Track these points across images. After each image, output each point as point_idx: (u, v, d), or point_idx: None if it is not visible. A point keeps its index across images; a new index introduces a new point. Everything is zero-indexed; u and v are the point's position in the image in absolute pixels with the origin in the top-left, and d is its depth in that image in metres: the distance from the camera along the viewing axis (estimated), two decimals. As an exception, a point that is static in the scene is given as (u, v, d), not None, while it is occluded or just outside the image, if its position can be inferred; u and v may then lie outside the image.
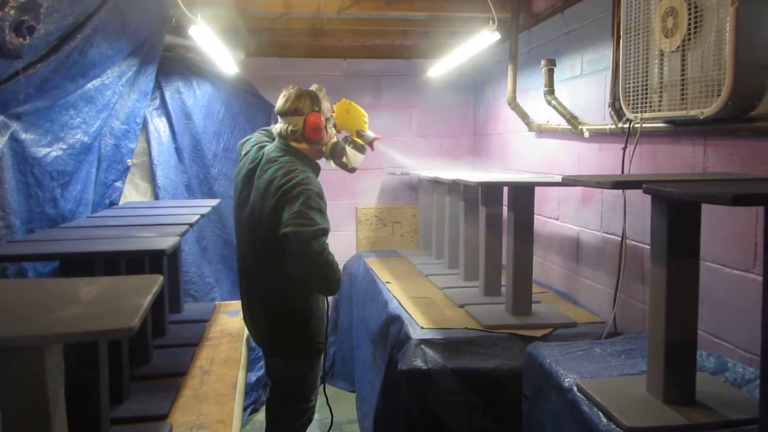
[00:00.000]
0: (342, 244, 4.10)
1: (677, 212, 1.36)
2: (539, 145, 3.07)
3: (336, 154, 2.20)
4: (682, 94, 1.69)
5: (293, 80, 3.95)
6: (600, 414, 1.43)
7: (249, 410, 3.49)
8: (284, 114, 2.08)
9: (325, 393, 2.38)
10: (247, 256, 2.14)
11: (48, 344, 0.99)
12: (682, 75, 1.69)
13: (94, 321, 1.01)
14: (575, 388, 1.57)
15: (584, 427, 1.47)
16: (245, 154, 2.19)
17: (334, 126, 2.28)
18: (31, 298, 1.14)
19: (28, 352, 1.00)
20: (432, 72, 3.78)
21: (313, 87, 2.13)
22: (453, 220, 3.14)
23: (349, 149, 2.30)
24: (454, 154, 4.30)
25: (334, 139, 2.20)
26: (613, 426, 1.36)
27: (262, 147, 2.15)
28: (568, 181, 1.53)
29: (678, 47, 1.69)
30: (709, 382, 1.55)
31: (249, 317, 2.22)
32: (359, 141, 2.33)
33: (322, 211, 1.91)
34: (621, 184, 1.39)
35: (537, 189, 2.88)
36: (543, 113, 2.91)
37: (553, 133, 2.87)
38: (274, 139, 2.20)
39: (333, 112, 2.27)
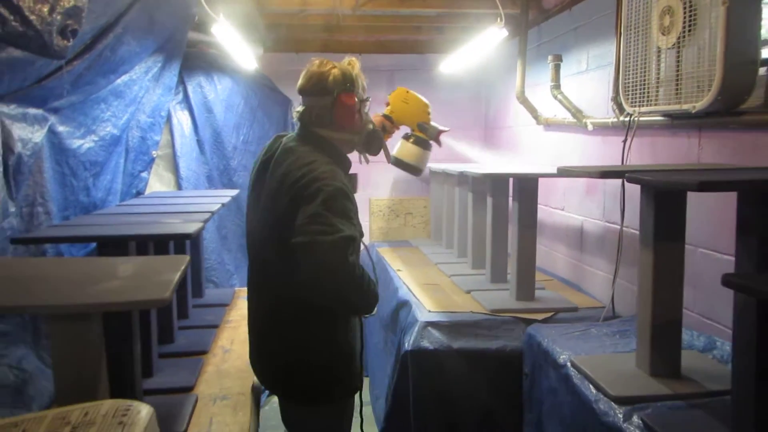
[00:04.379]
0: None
1: (663, 200, 1.46)
2: (547, 138, 3.16)
3: (372, 144, 1.75)
4: (677, 89, 1.78)
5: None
6: (590, 386, 1.54)
7: (267, 392, 3.64)
8: (307, 93, 1.63)
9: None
10: (259, 271, 1.68)
11: (95, 312, 1.14)
12: (677, 71, 1.78)
13: (133, 293, 1.16)
14: (569, 364, 1.68)
15: (576, 399, 1.59)
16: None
17: (391, 120, 1.96)
18: (76, 273, 1.29)
19: (76, 319, 1.15)
20: (443, 67, 3.88)
21: (346, 60, 1.68)
22: (462, 211, 3.25)
23: (409, 145, 1.96)
24: (467, 147, 4.40)
25: (371, 126, 1.75)
26: (602, 396, 1.48)
27: (281, 136, 1.73)
28: (562, 172, 1.64)
29: (674, 44, 1.77)
30: (697, 359, 1.65)
31: (257, 353, 1.72)
32: (422, 135, 1.98)
33: (346, 214, 1.44)
34: (607, 173, 1.49)
35: (544, 181, 3.00)
36: (550, 107, 3.00)
37: (559, 127, 2.96)
38: None
39: (387, 104, 1.98)
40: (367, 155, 1.81)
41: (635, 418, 1.36)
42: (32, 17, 1.14)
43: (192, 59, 3.49)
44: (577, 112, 2.66)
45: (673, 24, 1.77)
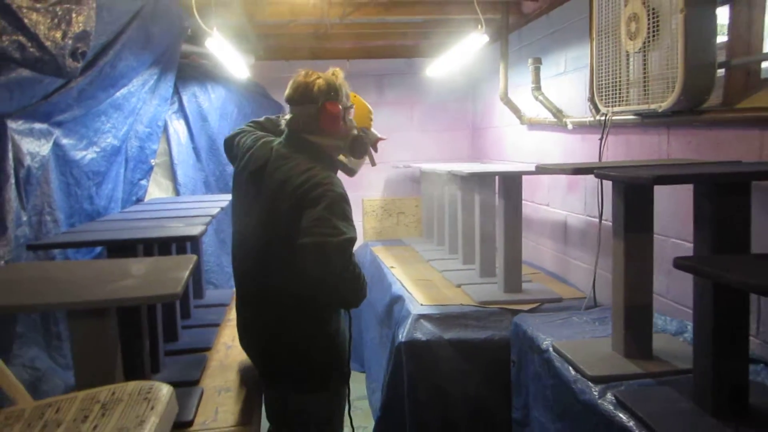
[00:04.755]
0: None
1: (632, 193, 1.59)
2: (530, 137, 3.29)
3: (356, 149, 1.85)
4: (645, 90, 1.91)
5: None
6: (569, 368, 1.67)
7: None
8: (295, 102, 1.75)
9: (351, 425, 1.91)
10: (248, 276, 1.79)
11: (114, 306, 1.25)
12: (644, 73, 1.91)
13: (147, 289, 1.27)
14: (551, 349, 1.80)
15: (557, 381, 1.71)
16: (247, 151, 1.86)
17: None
18: (93, 273, 1.40)
19: (96, 315, 1.26)
20: (429, 71, 4.00)
21: (330, 70, 1.80)
22: (451, 209, 3.37)
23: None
24: (455, 147, 4.53)
25: (356, 132, 1.85)
26: (579, 376, 1.60)
27: (269, 143, 1.82)
28: (540, 170, 1.76)
29: (640, 48, 1.90)
30: (668, 341, 1.78)
31: (249, 336, 1.88)
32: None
33: (347, 218, 1.58)
34: (579, 170, 1.61)
35: (530, 178, 3.13)
36: (533, 107, 3.13)
37: (542, 126, 3.09)
38: (270, 132, 1.97)
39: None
40: (351, 158, 1.91)
41: (609, 395, 1.48)
42: (47, 43, 1.25)
43: (186, 70, 3.60)
44: (557, 112, 2.79)
45: (639, 30, 1.90)
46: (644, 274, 1.63)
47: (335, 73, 1.78)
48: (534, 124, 3.19)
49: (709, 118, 1.78)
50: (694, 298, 1.34)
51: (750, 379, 1.51)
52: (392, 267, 3.26)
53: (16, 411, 0.99)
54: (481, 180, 2.78)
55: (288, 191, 1.62)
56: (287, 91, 1.77)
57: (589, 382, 1.56)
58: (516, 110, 3.31)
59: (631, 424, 1.34)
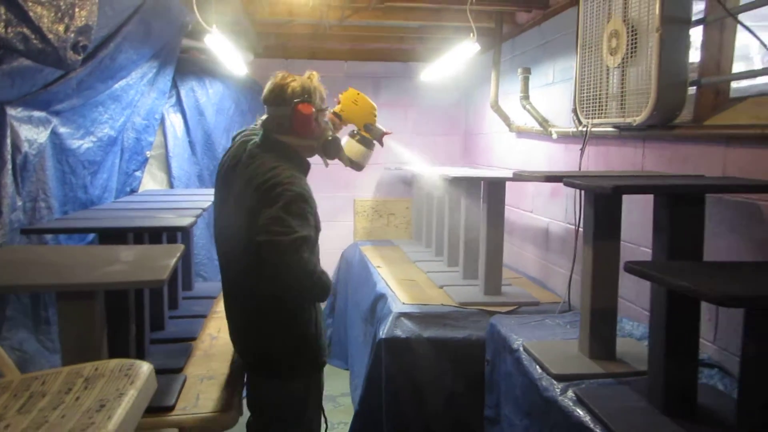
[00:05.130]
0: (340, 233, 4.43)
1: (601, 203, 1.67)
2: (518, 145, 3.38)
3: (330, 150, 1.91)
4: (622, 104, 1.99)
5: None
6: (537, 366, 1.74)
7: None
8: (270, 103, 1.80)
9: (324, 416, 2.01)
10: (228, 269, 1.89)
11: (101, 290, 1.32)
12: (622, 88, 1.99)
13: (136, 274, 1.34)
14: (521, 348, 1.88)
15: (526, 379, 1.79)
16: (229, 148, 1.95)
17: (339, 117, 2.09)
18: (83, 258, 1.47)
19: (83, 297, 1.33)
20: (424, 76, 4.08)
21: (306, 74, 1.86)
22: (439, 212, 3.45)
23: (354, 143, 2.10)
24: (448, 151, 4.61)
25: (330, 134, 1.91)
26: (545, 374, 1.68)
27: (246, 142, 1.87)
28: (517, 177, 1.84)
29: (620, 64, 1.98)
30: (632, 345, 1.86)
31: (229, 324, 1.97)
32: (367, 135, 2.12)
33: (304, 217, 1.64)
34: (550, 178, 1.69)
35: (516, 185, 3.21)
36: (521, 116, 3.21)
37: (529, 134, 3.17)
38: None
39: (339, 102, 2.10)
40: (326, 159, 1.97)
41: (570, 392, 1.56)
42: (50, 36, 1.32)
43: (185, 65, 3.67)
44: (543, 121, 2.87)
45: (619, 46, 1.98)
46: (610, 279, 1.70)
47: (311, 76, 1.84)
48: (522, 132, 3.27)
49: (679, 133, 1.86)
50: (650, 301, 1.42)
51: (704, 382, 1.60)
52: (379, 267, 3.34)
53: (3, 383, 1.06)
54: (467, 185, 2.86)
55: (251, 190, 1.69)
56: (264, 92, 1.83)
57: (553, 380, 1.63)
58: (505, 118, 3.39)
59: (587, 419, 1.42)
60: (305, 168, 1.86)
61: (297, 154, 1.83)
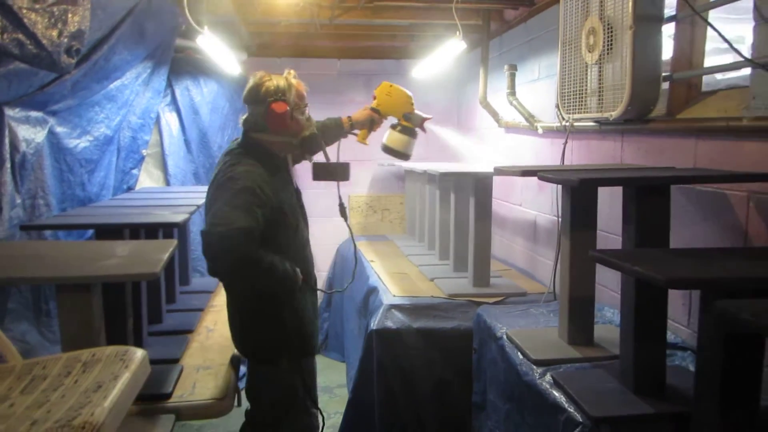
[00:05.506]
0: (335, 229, 4.49)
1: (577, 195, 1.74)
2: (507, 140, 3.44)
3: (309, 146, 1.92)
4: (600, 99, 2.06)
5: (290, 79, 4.25)
6: (518, 353, 1.82)
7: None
8: (248, 102, 1.87)
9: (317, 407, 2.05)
10: None
11: (98, 283, 1.39)
12: (600, 84, 2.05)
13: (130, 267, 1.42)
14: (505, 336, 1.95)
15: (508, 365, 1.86)
16: None
17: (378, 113, 2.16)
18: (81, 253, 1.54)
19: (81, 290, 1.40)
20: (415, 73, 4.14)
21: (285, 72, 1.91)
22: (431, 207, 3.52)
23: (395, 134, 2.16)
24: (442, 146, 4.68)
25: (309, 131, 1.92)
26: (525, 360, 1.75)
27: (235, 141, 1.98)
28: (497, 171, 1.91)
29: (597, 60, 2.05)
30: (611, 331, 1.93)
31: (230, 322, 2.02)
32: (407, 124, 2.16)
33: (248, 209, 1.67)
34: (526, 172, 1.75)
35: (506, 179, 3.27)
36: (509, 111, 3.27)
37: (517, 129, 3.24)
38: (324, 129, 2.11)
39: (374, 98, 2.17)
40: (307, 155, 2.00)
41: (547, 376, 1.63)
42: (44, 41, 1.39)
43: (180, 64, 3.74)
44: (529, 117, 2.94)
45: (596, 43, 2.04)
46: (586, 268, 1.77)
47: (288, 74, 1.90)
48: (510, 128, 3.34)
49: (654, 126, 1.93)
50: (620, 291, 1.49)
51: (678, 363, 1.68)
52: (372, 261, 3.41)
53: (7, 367, 1.13)
54: (456, 180, 2.93)
55: (212, 187, 1.79)
56: (243, 92, 1.89)
57: (533, 365, 1.71)
58: (494, 113, 3.45)
59: (562, 400, 1.49)
60: (274, 164, 1.87)
61: (267, 150, 1.87)
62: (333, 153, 2.05)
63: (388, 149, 2.21)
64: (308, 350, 1.97)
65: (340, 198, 2.08)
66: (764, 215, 1.55)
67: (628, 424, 1.36)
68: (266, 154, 1.86)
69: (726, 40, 1.56)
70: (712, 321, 1.05)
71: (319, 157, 2.10)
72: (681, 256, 1.26)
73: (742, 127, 1.56)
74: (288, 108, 1.83)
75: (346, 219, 2.11)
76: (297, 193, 2.01)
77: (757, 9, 1.55)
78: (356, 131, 2.23)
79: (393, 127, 2.19)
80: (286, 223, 1.85)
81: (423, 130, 2.20)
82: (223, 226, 1.64)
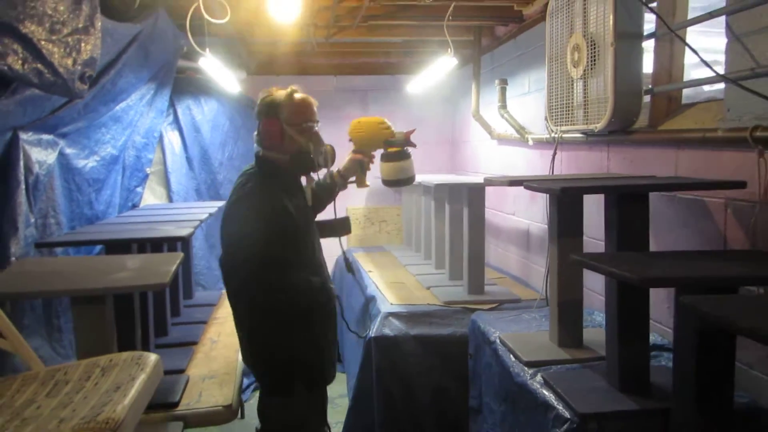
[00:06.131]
0: (334, 241, 4.59)
1: (564, 202, 1.83)
2: (500, 151, 3.55)
3: (297, 165, 1.87)
4: (586, 112, 2.16)
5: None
6: (511, 356, 1.90)
7: (252, 387, 3.96)
8: (256, 119, 1.91)
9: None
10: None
11: (110, 294, 1.48)
12: (585, 97, 2.15)
13: (141, 279, 1.50)
14: (498, 341, 2.04)
15: (501, 368, 1.94)
16: None
17: (363, 153, 2.09)
18: (94, 267, 1.63)
19: (95, 301, 1.49)
20: (410, 88, 4.26)
21: (288, 88, 1.90)
22: (427, 218, 3.61)
23: (384, 165, 2.08)
24: (436, 160, 4.78)
25: (303, 149, 1.86)
26: (517, 362, 1.83)
27: None
28: (487, 182, 2.01)
29: (582, 75, 2.15)
30: (600, 334, 2.00)
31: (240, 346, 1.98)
32: (393, 149, 2.06)
33: (261, 236, 1.69)
34: (513, 182, 1.85)
35: (499, 189, 3.37)
36: (501, 124, 3.38)
37: (509, 141, 3.34)
38: None
39: (350, 137, 2.12)
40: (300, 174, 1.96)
41: (538, 377, 1.71)
42: (61, 69, 1.49)
43: (181, 84, 3.85)
44: (520, 129, 3.05)
45: (581, 59, 2.15)
46: (574, 273, 1.86)
47: (290, 89, 1.88)
48: (502, 140, 3.44)
49: (637, 138, 2.03)
50: (605, 294, 1.58)
51: (663, 364, 1.76)
52: (370, 271, 3.49)
53: (32, 374, 1.22)
54: (450, 190, 3.02)
55: (226, 205, 1.85)
56: None
57: (524, 367, 1.79)
58: (487, 126, 3.56)
59: (552, 398, 1.57)
60: (285, 182, 1.86)
61: (277, 167, 1.86)
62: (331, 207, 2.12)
63: (387, 183, 2.13)
64: (318, 381, 1.92)
65: (344, 253, 2.14)
66: (740, 220, 1.64)
67: (613, 420, 1.44)
68: (276, 172, 1.86)
69: (701, 58, 1.66)
70: (683, 317, 1.13)
71: (322, 215, 2.14)
72: (657, 258, 1.35)
73: (718, 138, 1.65)
74: (279, 124, 1.82)
75: (353, 274, 2.15)
76: (308, 209, 1.99)
77: (729, 27, 1.65)
78: (352, 179, 2.17)
79: (382, 158, 2.10)
80: (295, 239, 1.83)
81: (412, 145, 2.11)
82: (239, 258, 1.69)
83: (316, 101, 1.96)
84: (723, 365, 1.17)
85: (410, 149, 2.11)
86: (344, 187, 2.17)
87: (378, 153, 2.14)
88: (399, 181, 2.08)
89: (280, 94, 1.87)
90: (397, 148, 2.05)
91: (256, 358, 1.87)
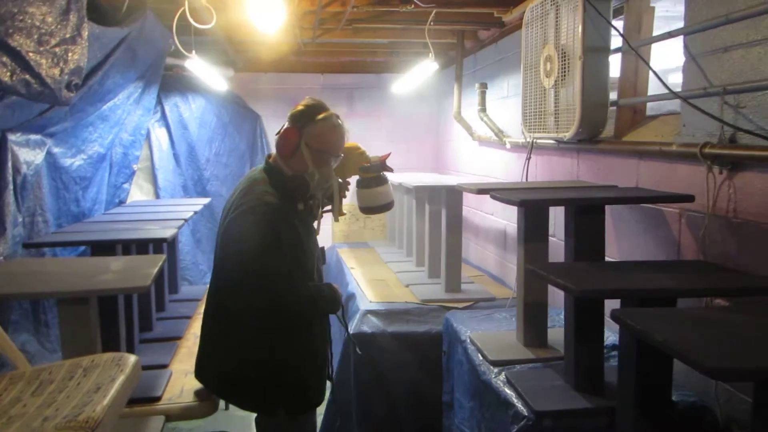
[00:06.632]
0: (320, 236, 4.67)
1: (530, 210, 1.92)
2: (480, 153, 3.64)
3: (294, 187, 1.77)
4: (557, 121, 2.25)
5: (276, 93, 4.47)
6: (479, 354, 2.00)
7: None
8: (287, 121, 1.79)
9: None
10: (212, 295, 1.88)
11: (94, 296, 1.56)
12: (556, 106, 2.24)
13: (123, 282, 1.58)
14: (468, 339, 2.13)
15: (470, 366, 2.04)
16: None
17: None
18: (79, 268, 1.70)
19: (80, 302, 1.57)
20: (395, 88, 4.33)
21: (331, 110, 1.79)
22: (408, 216, 3.70)
23: (361, 192, 1.97)
24: (421, 158, 4.87)
25: (308, 177, 1.77)
26: (484, 361, 1.93)
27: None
28: (458, 188, 2.09)
29: (553, 85, 2.24)
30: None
31: (205, 360, 1.91)
32: (368, 175, 1.95)
33: (268, 248, 1.63)
34: (481, 191, 1.94)
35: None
36: (481, 126, 3.46)
37: (489, 143, 3.43)
38: None
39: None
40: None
41: (502, 375, 1.81)
42: (48, 79, 1.55)
43: (169, 81, 3.90)
44: (498, 132, 3.13)
45: (552, 69, 2.23)
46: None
47: (330, 113, 1.77)
48: (483, 141, 3.53)
49: (603, 147, 2.12)
50: (564, 299, 1.68)
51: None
52: (352, 268, 3.58)
53: (18, 374, 1.30)
54: (429, 192, 3.11)
55: (225, 214, 1.78)
56: None
57: (490, 366, 1.89)
58: (468, 128, 3.64)
59: (513, 396, 1.67)
60: (294, 195, 1.77)
61: (289, 179, 1.76)
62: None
63: (364, 210, 2.01)
64: (311, 403, 1.84)
65: (346, 326, 2.15)
66: (693, 230, 1.74)
67: (566, 417, 1.55)
68: (287, 183, 1.76)
69: (657, 75, 1.75)
70: (622, 326, 1.23)
71: None
72: (605, 269, 1.45)
73: (673, 152, 1.75)
74: (297, 139, 1.72)
75: (345, 325, 2.12)
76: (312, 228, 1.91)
77: (686, 47, 1.74)
78: (327, 208, 2.00)
79: (357, 184, 1.98)
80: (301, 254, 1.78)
81: (388, 170, 1.98)
82: (248, 268, 1.64)
83: (347, 136, 1.85)
84: (661, 368, 1.27)
85: (387, 173, 2.00)
86: (319, 218, 1.96)
87: (353, 179, 2.04)
88: (376, 208, 1.99)
89: (321, 110, 1.75)
90: (373, 174, 1.95)
91: (240, 380, 1.79)
